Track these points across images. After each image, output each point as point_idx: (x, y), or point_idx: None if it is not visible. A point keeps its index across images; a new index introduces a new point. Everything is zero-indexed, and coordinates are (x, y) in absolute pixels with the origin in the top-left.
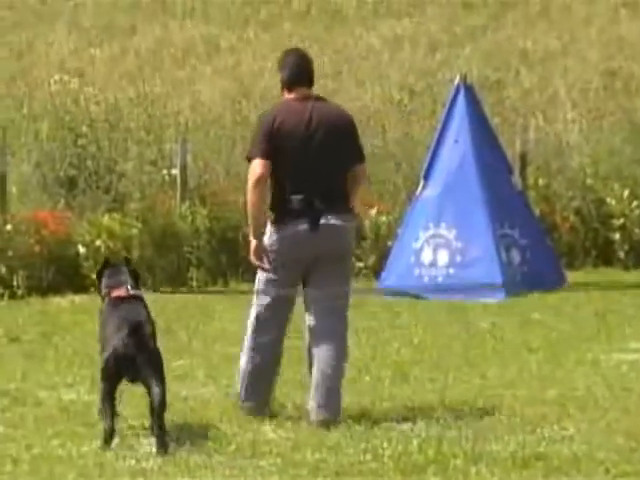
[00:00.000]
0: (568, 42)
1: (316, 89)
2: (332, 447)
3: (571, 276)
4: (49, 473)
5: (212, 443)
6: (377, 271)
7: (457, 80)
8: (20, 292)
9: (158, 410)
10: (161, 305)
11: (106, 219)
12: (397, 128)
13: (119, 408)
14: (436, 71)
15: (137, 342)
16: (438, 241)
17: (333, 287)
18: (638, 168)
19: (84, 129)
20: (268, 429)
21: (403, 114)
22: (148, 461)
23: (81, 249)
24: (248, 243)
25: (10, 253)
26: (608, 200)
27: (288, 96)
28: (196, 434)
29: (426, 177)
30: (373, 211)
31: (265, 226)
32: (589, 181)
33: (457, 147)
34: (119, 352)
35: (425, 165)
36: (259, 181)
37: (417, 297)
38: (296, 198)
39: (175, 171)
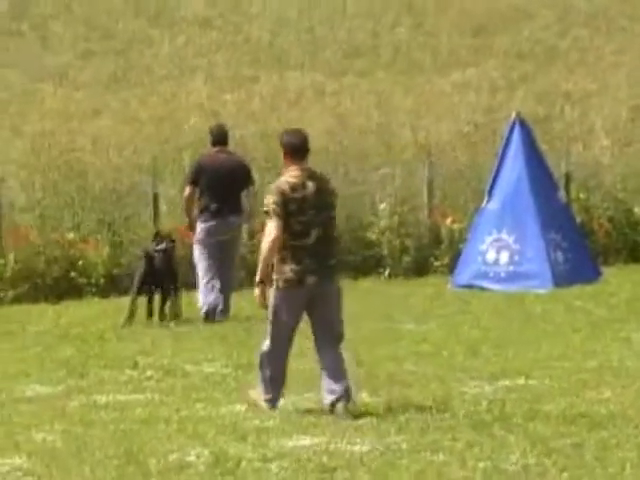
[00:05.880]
0: (602, 84)
1: (399, 124)
2: (417, 407)
3: (606, 271)
4: (193, 431)
5: (320, 406)
6: (451, 269)
7: (513, 116)
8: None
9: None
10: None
11: None
12: (466, 154)
13: None
14: (496, 109)
15: (161, 261)
16: (500, 244)
17: (231, 253)
18: None
19: None
20: (365, 395)
21: (470, 143)
22: (269, 421)
23: None
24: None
25: None
26: (635, 210)
27: (212, 149)
28: (309, 400)
29: (490, 193)
30: (448, 220)
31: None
32: (620, 195)
33: (514, 169)
34: (147, 269)
35: (489, 183)
36: (188, 197)
37: (483, 289)
38: (213, 205)
39: None
